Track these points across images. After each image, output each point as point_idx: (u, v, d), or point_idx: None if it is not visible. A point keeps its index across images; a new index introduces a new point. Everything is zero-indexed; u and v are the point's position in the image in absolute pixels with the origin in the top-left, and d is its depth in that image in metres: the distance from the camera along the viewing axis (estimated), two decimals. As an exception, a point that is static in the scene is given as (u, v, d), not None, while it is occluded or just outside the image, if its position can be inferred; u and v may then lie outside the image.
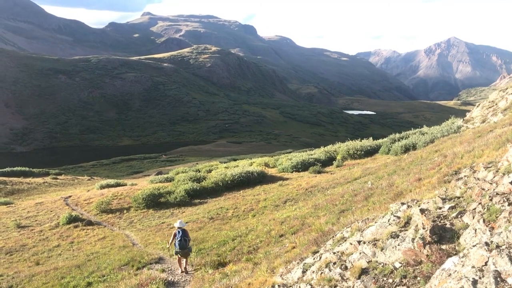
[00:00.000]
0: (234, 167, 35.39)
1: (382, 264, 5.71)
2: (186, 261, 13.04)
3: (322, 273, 6.49)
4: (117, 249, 17.21)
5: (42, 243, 20.02)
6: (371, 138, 33.68)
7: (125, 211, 24.79)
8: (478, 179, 6.72)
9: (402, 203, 7.14)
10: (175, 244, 12.59)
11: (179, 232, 12.63)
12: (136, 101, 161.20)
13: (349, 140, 34.25)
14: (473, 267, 4.08)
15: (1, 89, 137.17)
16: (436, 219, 5.71)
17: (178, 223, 12.99)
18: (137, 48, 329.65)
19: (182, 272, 12.87)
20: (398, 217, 6.45)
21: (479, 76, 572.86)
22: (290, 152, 59.27)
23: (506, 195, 5.21)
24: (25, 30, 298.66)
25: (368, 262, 5.93)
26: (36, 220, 24.29)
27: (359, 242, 6.62)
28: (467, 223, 5.30)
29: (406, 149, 24.89)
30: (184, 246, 12.49)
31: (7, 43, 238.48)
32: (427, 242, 5.27)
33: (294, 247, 10.52)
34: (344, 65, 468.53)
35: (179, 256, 12.79)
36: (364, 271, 5.78)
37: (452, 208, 5.93)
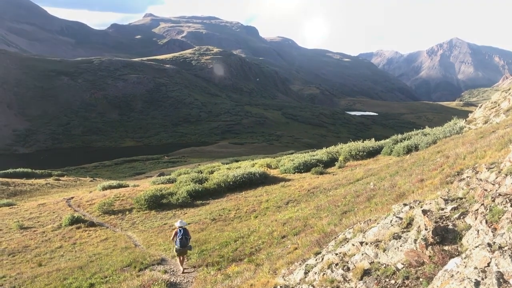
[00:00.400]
0: (236, 168, 35.41)
1: (384, 265, 5.70)
2: (184, 259, 13.39)
3: (324, 274, 6.48)
4: (119, 250, 17.23)
5: (44, 244, 20.05)
6: (373, 139, 33.65)
7: (127, 212, 24.82)
8: (481, 180, 6.70)
9: (405, 204, 7.13)
10: (175, 242, 13.01)
11: (180, 230, 13.04)
12: (138, 103, 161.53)
13: (351, 141, 34.26)
14: (475, 268, 4.07)
15: (3, 90, 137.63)
16: (439, 220, 5.69)
17: (179, 223, 13.42)
18: (139, 49, 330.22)
19: (183, 272, 13.09)
20: (401, 218, 6.44)
21: (482, 77, 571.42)
22: (292, 153, 59.30)
23: (508, 196, 5.20)
24: (27, 32, 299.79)
25: (370, 263, 5.93)
26: (38, 221, 24.34)
27: (361, 243, 6.62)
28: (469, 224, 5.29)
29: (409, 150, 24.88)
30: (185, 244, 12.93)
31: (10, 45, 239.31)
32: (429, 243, 5.26)
33: (296, 248, 10.52)
34: (346, 66, 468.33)
35: (179, 254, 13.13)
36: (366, 272, 5.77)
37: (454, 209, 5.92)
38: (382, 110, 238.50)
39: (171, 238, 13.59)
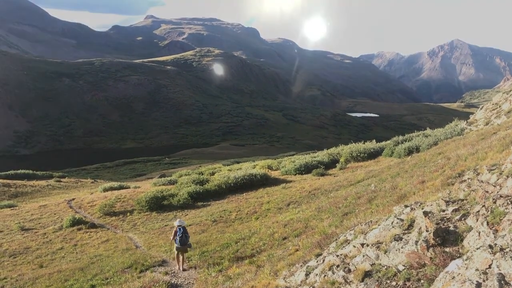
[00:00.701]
0: (237, 169, 35.42)
1: (385, 267, 5.69)
2: (183, 258, 13.58)
3: (325, 276, 6.48)
4: (120, 252, 17.23)
5: (45, 245, 20.06)
6: (374, 140, 33.68)
7: (128, 214, 24.82)
8: (482, 181, 6.70)
9: (406, 206, 7.13)
10: (176, 240, 13.26)
11: (180, 229, 13.33)
12: (139, 104, 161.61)
13: (352, 143, 34.27)
14: (476, 270, 4.07)
15: (5, 92, 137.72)
16: (440, 221, 5.69)
17: (178, 222, 13.75)
18: (140, 51, 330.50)
19: (179, 269, 13.30)
20: (402, 220, 6.44)
21: (483, 78, 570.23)
22: (293, 155, 59.29)
23: (510, 197, 5.20)
24: (29, 34, 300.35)
25: (371, 265, 5.92)
26: (39, 223, 24.35)
27: (362, 245, 6.61)
28: (470, 226, 5.28)
29: (410, 152, 24.88)
30: (184, 242, 13.22)
31: (11, 46, 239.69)
32: (430, 244, 5.25)
33: (297, 250, 10.51)
34: (347, 68, 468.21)
35: (179, 252, 13.36)
36: (367, 274, 5.77)
37: (455, 210, 5.91)
38: (383, 112, 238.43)
39: (172, 238, 13.79)
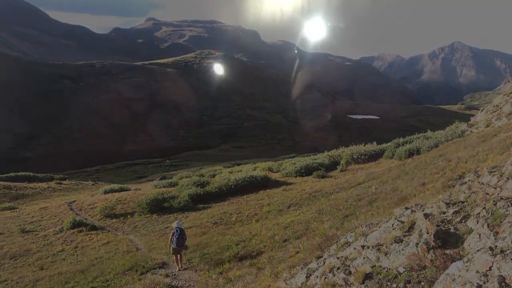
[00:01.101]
0: (238, 171, 35.42)
1: (386, 269, 5.69)
2: (181, 258, 13.90)
3: (326, 278, 6.48)
4: (121, 254, 17.23)
5: (46, 248, 20.06)
6: (375, 142, 33.68)
7: (129, 216, 24.82)
8: (482, 183, 6.70)
9: (406, 208, 7.13)
10: (172, 241, 13.62)
11: (177, 231, 13.73)
12: (140, 106, 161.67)
13: (353, 145, 34.27)
14: (477, 272, 4.06)
15: (6, 94, 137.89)
16: (440, 223, 5.68)
17: (176, 223, 14.18)
18: (141, 53, 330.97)
19: (179, 270, 13.45)
20: (402, 222, 6.44)
21: (483, 80, 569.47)
22: (293, 157, 59.22)
23: (510, 199, 5.19)
24: (30, 36, 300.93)
25: (372, 267, 5.92)
26: (40, 225, 24.36)
27: (363, 246, 6.61)
28: (471, 228, 5.28)
29: (410, 154, 24.87)
30: (181, 243, 13.61)
31: (12, 49, 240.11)
32: (431, 246, 5.25)
33: (298, 252, 10.50)
34: (347, 70, 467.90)
35: (176, 253, 13.70)
36: (368, 276, 5.76)
37: (456, 212, 5.91)
38: (383, 114, 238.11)
39: (170, 239, 14.07)
